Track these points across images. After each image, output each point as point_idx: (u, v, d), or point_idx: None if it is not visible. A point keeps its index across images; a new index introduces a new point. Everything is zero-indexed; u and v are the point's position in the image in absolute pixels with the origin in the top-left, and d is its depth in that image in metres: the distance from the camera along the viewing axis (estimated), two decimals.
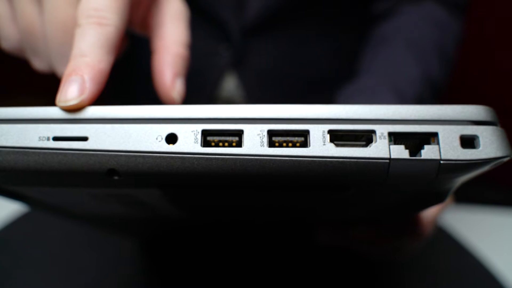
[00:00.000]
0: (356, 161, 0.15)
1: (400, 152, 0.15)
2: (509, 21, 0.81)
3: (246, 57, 0.46)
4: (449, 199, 0.35)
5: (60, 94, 0.17)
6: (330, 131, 0.15)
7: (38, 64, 0.25)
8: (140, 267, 0.39)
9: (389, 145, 0.15)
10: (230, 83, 0.47)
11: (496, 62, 0.83)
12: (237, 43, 0.45)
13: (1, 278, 0.37)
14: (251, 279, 0.37)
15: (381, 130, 0.15)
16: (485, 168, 0.15)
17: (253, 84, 0.46)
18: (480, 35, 0.78)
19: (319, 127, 0.15)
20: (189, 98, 0.27)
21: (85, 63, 0.18)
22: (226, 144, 0.15)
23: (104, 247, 0.40)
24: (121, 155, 0.15)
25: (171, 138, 0.15)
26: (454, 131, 0.15)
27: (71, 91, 0.17)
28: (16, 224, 0.43)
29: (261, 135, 0.15)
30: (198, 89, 0.45)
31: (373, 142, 0.15)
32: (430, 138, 0.15)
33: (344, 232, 0.30)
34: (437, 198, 0.18)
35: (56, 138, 0.16)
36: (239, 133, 0.15)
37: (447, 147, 0.15)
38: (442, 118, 0.15)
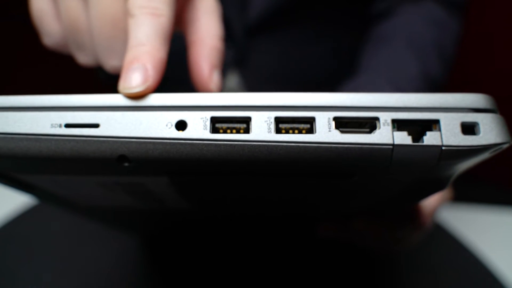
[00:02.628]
0: (361, 147, 0.15)
1: (403, 138, 0.15)
2: (508, 18, 0.82)
3: (249, 56, 0.46)
4: (448, 194, 0.35)
5: (124, 82, 0.17)
6: (335, 118, 0.16)
7: (83, 58, 0.25)
8: (143, 264, 0.39)
9: (393, 131, 0.15)
10: (232, 82, 0.47)
11: (496, 56, 0.84)
12: (240, 42, 0.45)
13: (5, 272, 0.37)
14: (254, 273, 0.37)
15: (385, 117, 0.15)
16: (485, 154, 0.16)
17: (255, 83, 0.47)
18: (478, 30, 0.79)
19: (324, 114, 0.16)
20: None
21: (145, 52, 0.18)
22: (234, 130, 0.16)
23: (108, 244, 0.40)
24: (131, 142, 0.16)
25: (181, 125, 0.16)
26: (455, 118, 0.15)
27: (135, 78, 0.17)
28: (20, 219, 0.43)
29: (268, 122, 0.16)
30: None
31: (377, 128, 0.15)
32: (432, 125, 0.15)
33: (345, 225, 0.30)
34: (438, 185, 0.18)
35: (68, 125, 0.16)
36: (247, 120, 0.16)
37: (448, 134, 0.15)
38: (444, 105, 0.16)
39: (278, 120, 0.16)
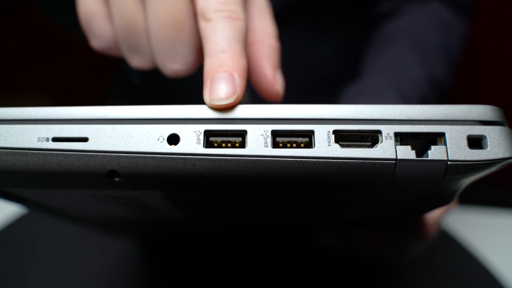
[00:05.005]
0: (362, 162, 0.14)
1: (406, 152, 0.14)
2: None
3: None
4: (452, 202, 0.34)
5: (211, 93, 0.16)
6: (335, 132, 0.15)
7: (138, 61, 0.23)
8: (142, 269, 0.39)
9: (395, 145, 0.14)
10: None
11: (505, 61, 0.83)
12: None
13: (1, 279, 0.37)
14: (254, 280, 0.37)
15: (387, 130, 0.15)
16: (493, 168, 0.15)
17: None
18: (487, 33, 0.78)
19: (324, 128, 0.15)
20: (192, 99, 0.27)
21: (229, 59, 0.17)
22: (229, 144, 0.15)
23: (106, 249, 0.40)
24: (122, 156, 0.15)
25: (173, 139, 0.15)
26: (461, 131, 0.15)
27: (223, 88, 0.16)
28: (17, 225, 0.43)
29: (264, 136, 0.15)
30: (202, 90, 0.45)
31: (379, 142, 0.15)
32: (437, 138, 0.15)
33: (347, 234, 0.29)
34: (443, 199, 0.18)
35: (55, 139, 0.15)
36: (243, 134, 0.15)
37: (454, 148, 0.14)
38: (449, 118, 0.15)
39: (275, 134, 0.15)
